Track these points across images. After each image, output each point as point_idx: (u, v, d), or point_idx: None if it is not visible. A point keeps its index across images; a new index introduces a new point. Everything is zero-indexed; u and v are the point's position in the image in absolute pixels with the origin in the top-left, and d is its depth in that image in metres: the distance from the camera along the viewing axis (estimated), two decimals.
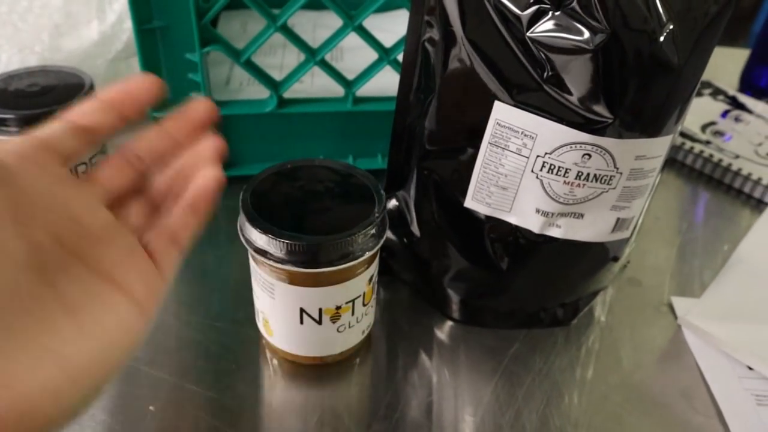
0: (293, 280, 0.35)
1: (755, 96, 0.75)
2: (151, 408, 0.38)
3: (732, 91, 0.75)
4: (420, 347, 0.43)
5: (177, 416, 0.38)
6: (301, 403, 0.39)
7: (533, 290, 0.43)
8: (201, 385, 0.39)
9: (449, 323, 0.45)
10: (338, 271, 0.35)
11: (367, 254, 0.35)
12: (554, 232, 0.38)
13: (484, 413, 0.39)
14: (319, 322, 0.37)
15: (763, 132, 0.67)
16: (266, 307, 0.38)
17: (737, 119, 0.69)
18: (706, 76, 0.77)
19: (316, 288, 0.36)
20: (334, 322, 0.38)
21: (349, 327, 0.39)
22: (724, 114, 0.70)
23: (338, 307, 0.37)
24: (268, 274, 0.36)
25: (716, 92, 0.74)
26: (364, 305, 0.39)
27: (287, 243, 0.33)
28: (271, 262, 0.34)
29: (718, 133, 0.67)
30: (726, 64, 0.82)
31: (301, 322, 0.37)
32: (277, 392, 0.40)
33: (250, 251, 0.35)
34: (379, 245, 0.36)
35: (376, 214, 0.36)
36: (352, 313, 0.38)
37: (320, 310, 0.37)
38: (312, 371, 0.41)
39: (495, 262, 0.40)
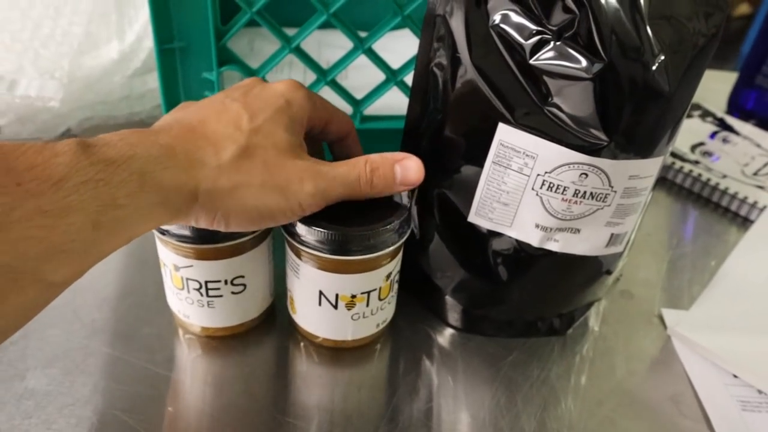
0: (316, 263, 0.39)
1: (742, 118, 0.78)
2: (169, 409, 0.40)
3: (720, 113, 0.78)
4: (423, 354, 0.45)
5: (194, 417, 0.40)
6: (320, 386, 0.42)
7: (531, 301, 0.45)
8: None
9: (450, 331, 0.47)
10: (355, 262, 0.39)
11: (385, 250, 0.39)
12: (552, 246, 0.40)
13: (485, 417, 0.41)
14: (335, 307, 0.41)
15: (750, 153, 0.70)
16: (293, 285, 0.42)
17: (725, 140, 0.72)
18: (695, 98, 0.81)
19: (334, 274, 0.39)
20: (348, 309, 0.41)
21: (364, 317, 0.42)
22: (713, 135, 0.73)
23: (353, 296, 0.40)
24: (296, 256, 0.40)
25: (705, 114, 0.77)
26: (380, 299, 0.42)
27: (315, 230, 0.37)
28: (297, 244, 0.38)
29: (707, 154, 0.70)
30: (715, 87, 0.85)
31: (319, 304, 0.41)
32: (297, 377, 0.43)
33: (283, 230, 0.40)
34: (398, 244, 0.40)
35: (396, 214, 0.39)
36: (367, 305, 0.41)
37: (337, 296, 0.40)
38: (330, 363, 0.44)
39: (496, 274, 0.43)
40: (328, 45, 0.75)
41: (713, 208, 0.65)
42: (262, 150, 0.35)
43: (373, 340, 0.45)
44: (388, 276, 0.41)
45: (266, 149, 0.35)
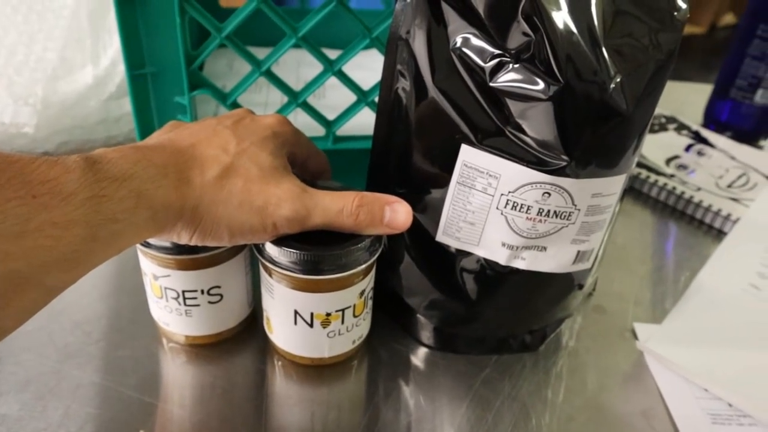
0: (290, 283, 0.40)
1: (718, 130, 0.79)
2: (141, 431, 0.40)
3: (695, 126, 0.79)
4: (396, 373, 0.46)
5: None
6: (296, 405, 0.42)
7: (502, 318, 0.45)
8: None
9: (423, 349, 0.47)
10: (328, 281, 0.39)
11: (357, 268, 0.40)
12: (519, 264, 0.41)
13: None
14: (311, 326, 0.41)
15: (724, 165, 0.71)
16: (268, 305, 0.43)
17: (700, 153, 0.73)
18: (671, 111, 0.82)
19: (308, 293, 0.40)
20: (324, 327, 0.42)
21: (339, 334, 0.43)
22: (688, 148, 0.74)
23: (328, 314, 0.41)
24: (270, 276, 0.40)
25: (680, 127, 0.78)
26: (354, 316, 0.42)
27: (287, 251, 0.38)
28: (270, 265, 0.39)
29: (682, 167, 0.70)
30: (692, 99, 0.86)
31: (295, 323, 0.41)
32: (275, 396, 0.43)
33: (255, 251, 0.40)
34: (370, 262, 0.40)
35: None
36: (342, 322, 0.42)
37: (312, 314, 0.41)
38: (305, 381, 0.44)
39: (465, 293, 0.43)
40: (308, 64, 0.75)
41: (688, 221, 0.65)
42: (245, 170, 0.37)
43: (350, 357, 0.46)
44: (362, 293, 0.42)
45: (249, 170, 0.37)
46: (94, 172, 0.31)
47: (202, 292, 0.42)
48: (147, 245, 0.40)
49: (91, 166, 0.31)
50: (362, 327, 0.45)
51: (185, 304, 0.43)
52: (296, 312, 0.41)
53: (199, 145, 0.37)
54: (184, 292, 0.42)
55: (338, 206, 0.38)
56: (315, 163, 0.46)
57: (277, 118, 0.42)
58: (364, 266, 0.40)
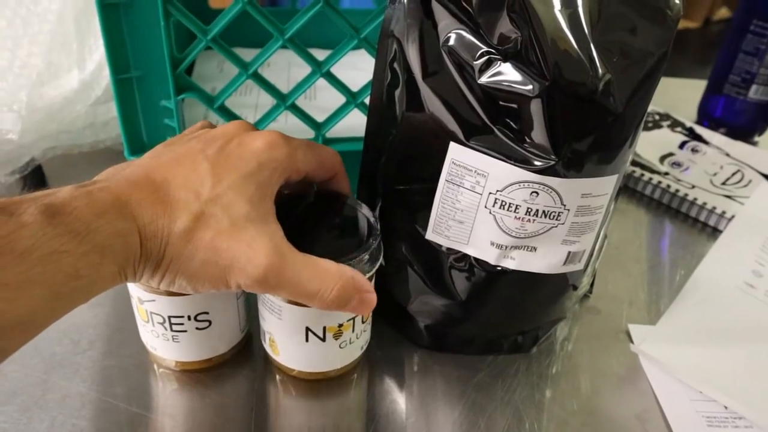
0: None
1: (711, 126, 0.78)
2: None
3: (689, 123, 0.78)
4: (389, 375, 0.45)
5: None
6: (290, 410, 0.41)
7: (493, 318, 0.45)
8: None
9: (417, 352, 0.47)
10: None
11: (366, 276, 0.39)
12: (509, 264, 0.40)
13: None
14: (323, 340, 0.40)
15: (718, 162, 0.70)
16: (273, 328, 0.41)
17: (694, 150, 0.73)
18: (665, 108, 0.81)
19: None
20: (336, 339, 0.41)
21: (350, 343, 0.42)
22: (682, 145, 0.74)
23: (340, 325, 0.40)
24: (277, 298, 0.39)
25: (674, 124, 0.78)
26: (363, 323, 0.42)
27: None
28: None
29: (676, 164, 0.70)
30: (686, 96, 0.86)
31: (307, 341, 0.40)
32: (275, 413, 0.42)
33: None
34: (376, 267, 0.40)
35: (372, 240, 0.39)
36: (353, 330, 0.41)
37: (324, 329, 0.40)
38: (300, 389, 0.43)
39: (456, 292, 0.42)
40: (299, 65, 0.74)
41: (683, 218, 0.65)
42: (216, 222, 0.34)
43: (357, 365, 0.45)
44: None
45: (220, 221, 0.34)
46: (53, 225, 0.28)
47: (189, 318, 0.41)
48: None
49: (50, 219, 0.28)
50: (367, 332, 0.44)
51: (172, 330, 0.41)
52: (308, 329, 0.40)
53: (173, 182, 0.34)
54: (170, 317, 0.41)
55: (314, 288, 0.35)
56: (323, 170, 0.41)
57: (268, 142, 0.37)
58: (372, 271, 0.40)
